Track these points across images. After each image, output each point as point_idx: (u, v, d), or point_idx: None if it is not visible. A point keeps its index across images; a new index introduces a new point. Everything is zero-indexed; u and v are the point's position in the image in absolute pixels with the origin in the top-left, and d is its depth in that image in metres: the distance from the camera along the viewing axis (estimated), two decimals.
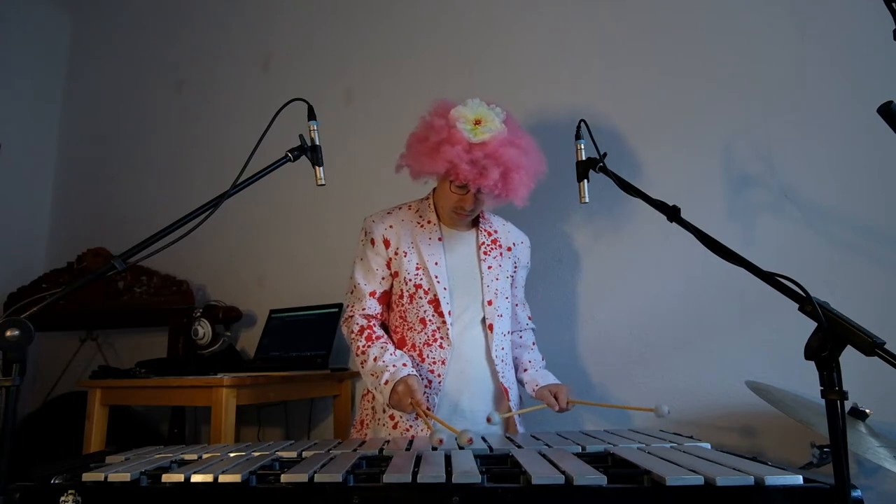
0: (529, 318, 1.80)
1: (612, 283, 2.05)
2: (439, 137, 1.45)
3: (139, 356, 2.51)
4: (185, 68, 3.16)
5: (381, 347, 1.54)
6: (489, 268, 1.64)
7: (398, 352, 1.55)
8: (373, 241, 1.63)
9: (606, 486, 0.87)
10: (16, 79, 3.28)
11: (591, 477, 0.87)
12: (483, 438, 1.32)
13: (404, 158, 1.56)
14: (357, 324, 1.61)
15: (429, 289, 1.57)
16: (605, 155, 1.45)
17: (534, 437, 1.34)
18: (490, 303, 1.61)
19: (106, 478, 0.97)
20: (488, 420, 1.34)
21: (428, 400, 1.53)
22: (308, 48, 2.79)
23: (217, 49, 3.07)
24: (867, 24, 1.77)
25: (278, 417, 2.53)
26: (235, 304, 2.68)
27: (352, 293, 1.66)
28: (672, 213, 1.21)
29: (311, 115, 1.43)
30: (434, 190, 1.68)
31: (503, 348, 1.63)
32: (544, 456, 1.03)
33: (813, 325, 0.88)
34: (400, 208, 1.69)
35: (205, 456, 1.14)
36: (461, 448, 1.11)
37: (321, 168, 1.42)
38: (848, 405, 1.21)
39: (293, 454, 1.14)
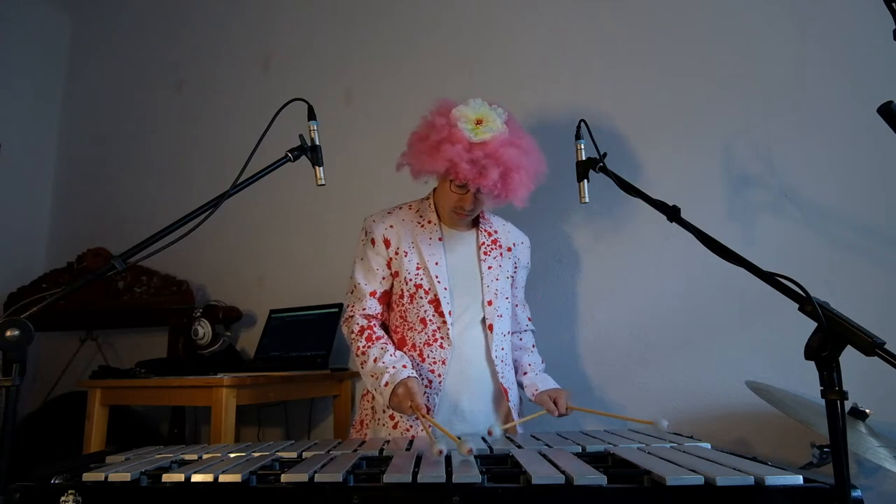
0: (529, 320, 1.79)
1: (612, 283, 2.05)
2: (440, 136, 1.45)
3: (139, 356, 2.51)
4: (185, 68, 3.16)
5: (382, 348, 1.54)
6: (489, 268, 1.64)
7: (398, 353, 1.55)
8: (373, 241, 1.63)
9: (606, 486, 0.87)
10: (16, 79, 3.28)
11: (591, 477, 0.87)
12: (483, 438, 1.32)
13: (405, 157, 1.57)
14: (357, 324, 1.61)
15: (429, 289, 1.57)
16: (605, 155, 1.45)
17: (534, 437, 1.34)
18: (490, 303, 1.61)
19: (106, 478, 0.97)
20: (489, 433, 1.34)
21: (428, 400, 1.52)
22: (308, 48, 2.79)
23: (217, 49, 3.07)
24: (867, 24, 1.77)
25: (278, 417, 2.53)
26: (235, 304, 2.68)
27: (352, 293, 1.66)
28: (672, 213, 1.21)
29: (311, 115, 1.43)
30: (434, 190, 1.68)
31: (503, 349, 1.63)
32: (544, 456, 1.03)
33: (813, 325, 0.88)
34: (400, 208, 1.69)
35: (205, 456, 1.14)
36: (462, 453, 1.11)
37: (321, 168, 1.42)
38: (848, 405, 1.21)
39: (293, 454, 1.14)
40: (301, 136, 1.39)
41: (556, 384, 1.67)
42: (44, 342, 3.15)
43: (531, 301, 1.83)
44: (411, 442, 1.32)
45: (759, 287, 1.03)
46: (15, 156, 3.15)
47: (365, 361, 1.54)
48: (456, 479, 0.89)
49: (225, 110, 2.98)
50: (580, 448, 1.15)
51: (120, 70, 3.39)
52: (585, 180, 1.51)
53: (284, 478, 0.94)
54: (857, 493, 0.82)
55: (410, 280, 1.59)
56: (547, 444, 1.22)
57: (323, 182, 1.43)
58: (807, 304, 0.90)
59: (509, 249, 1.70)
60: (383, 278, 1.63)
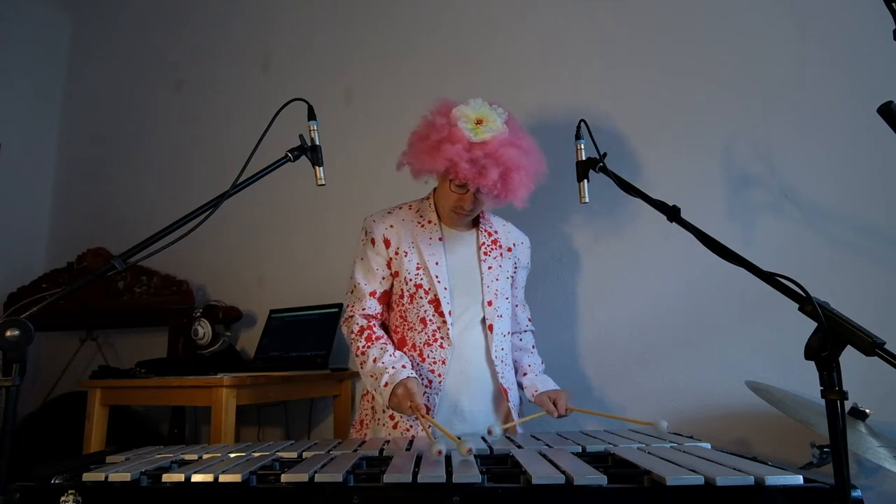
0: (529, 320, 1.79)
1: (612, 283, 2.05)
2: (440, 136, 1.45)
3: (139, 356, 2.51)
4: (185, 68, 3.16)
5: (381, 348, 1.54)
6: (489, 268, 1.64)
7: (398, 353, 1.54)
8: (373, 241, 1.63)
9: (606, 486, 0.87)
10: (16, 79, 3.28)
11: (591, 477, 0.87)
12: (483, 438, 1.32)
13: (405, 156, 1.57)
14: (357, 324, 1.61)
15: (429, 289, 1.57)
16: (605, 155, 1.44)
17: (534, 437, 1.34)
18: (490, 303, 1.61)
19: (106, 478, 0.97)
20: (489, 432, 1.34)
21: (428, 400, 1.52)
22: (308, 48, 2.79)
23: (217, 49, 3.07)
24: (867, 24, 1.77)
25: (278, 417, 2.53)
26: (235, 304, 2.68)
27: (352, 293, 1.66)
28: (672, 213, 1.21)
29: (311, 115, 1.43)
30: (435, 190, 1.68)
31: (503, 349, 1.63)
32: (544, 456, 1.03)
33: (813, 325, 0.88)
34: (400, 208, 1.69)
35: (205, 456, 1.14)
36: (462, 454, 1.11)
37: (321, 168, 1.42)
38: (848, 405, 1.21)
39: (293, 454, 1.14)
40: (301, 136, 1.39)
41: (555, 385, 1.67)
42: (44, 342, 3.15)
43: (531, 301, 1.83)
44: (411, 442, 1.32)
45: (759, 287, 1.03)
46: (15, 156, 3.15)
47: (364, 362, 1.54)
48: (456, 479, 0.89)
49: (225, 110, 2.98)
50: (580, 448, 1.15)
51: (120, 70, 3.39)
52: (585, 180, 1.51)
53: (284, 478, 0.94)
54: (857, 493, 0.82)
55: (410, 280, 1.59)
56: (547, 444, 1.22)
57: (323, 182, 1.43)
58: (807, 304, 0.90)
59: (509, 249, 1.70)
60: (383, 278, 1.63)
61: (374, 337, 1.58)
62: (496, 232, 1.70)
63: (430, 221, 1.65)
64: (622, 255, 2.04)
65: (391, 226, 1.64)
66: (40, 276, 3.11)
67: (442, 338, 1.56)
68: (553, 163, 1.60)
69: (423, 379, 1.54)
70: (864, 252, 1.74)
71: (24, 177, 3.31)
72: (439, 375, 1.54)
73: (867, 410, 1.41)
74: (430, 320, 1.57)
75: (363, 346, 1.56)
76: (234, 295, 2.72)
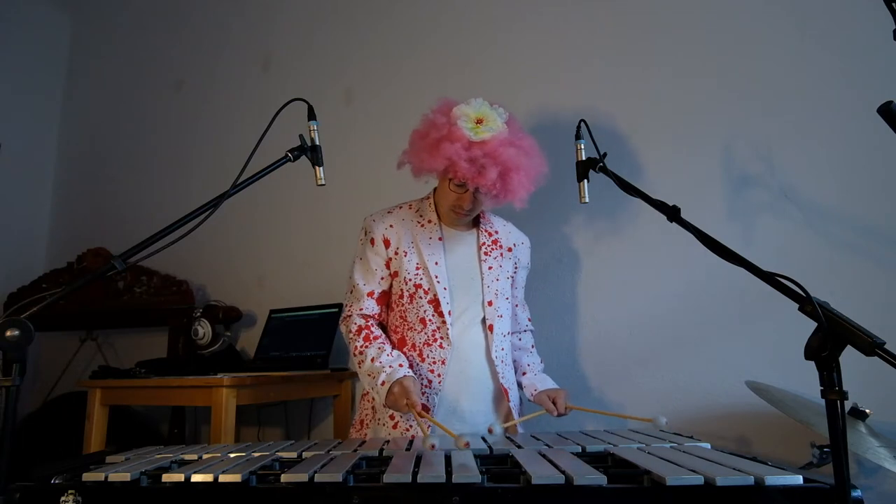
0: (529, 320, 1.79)
1: (612, 283, 2.05)
2: (439, 134, 1.46)
3: (139, 356, 2.51)
4: (185, 68, 3.16)
5: (379, 348, 1.54)
6: (490, 268, 1.64)
7: (395, 352, 1.55)
8: (372, 241, 1.63)
9: (606, 486, 0.87)
10: (16, 79, 3.28)
11: (591, 477, 0.87)
12: (483, 438, 1.32)
13: (406, 155, 1.57)
14: (355, 323, 1.61)
15: (429, 289, 1.57)
16: (605, 155, 1.44)
17: (534, 437, 1.34)
18: (490, 303, 1.61)
19: (106, 478, 0.97)
20: (489, 431, 1.34)
21: (427, 400, 1.53)
22: (308, 48, 2.79)
23: (217, 49, 3.07)
24: (867, 24, 1.77)
25: (278, 417, 2.53)
26: (235, 304, 2.68)
27: (351, 293, 1.66)
28: (672, 213, 1.21)
29: (311, 115, 1.43)
30: (435, 189, 1.68)
31: (503, 349, 1.63)
32: (544, 456, 1.03)
33: (813, 325, 0.88)
34: (400, 207, 1.69)
35: (205, 456, 1.14)
36: (460, 449, 1.11)
37: (321, 168, 1.42)
38: (848, 405, 1.21)
39: (293, 454, 1.14)
40: (301, 136, 1.39)
41: (554, 384, 1.67)
42: (44, 342, 3.15)
43: (530, 300, 1.83)
44: (411, 442, 1.32)
45: (759, 287, 1.03)
46: (15, 156, 3.15)
47: (362, 361, 1.54)
48: (456, 479, 0.89)
49: (225, 110, 2.98)
50: (580, 448, 1.15)
51: (120, 70, 3.39)
52: (585, 180, 1.50)
53: (284, 478, 0.94)
54: (857, 493, 0.82)
55: (410, 280, 1.59)
56: (547, 444, 1.22)
57: (323, 182, 1.43)
58: (807, 304, 0.90)
59: (510, 250, 1.70)
60: (382, 278, 1.63)
61: (372, 336, 1.58)
62: (496, 232, 1.70)
63: (429, 221, 1.64)
64: (622, 255, 2.04)
65: (391, 225, 1.64)
66: (40, 276, 3.11)
67: (441, 338, 1.56)
68: (553, 163, 1.60)
69: (422, 379, 1.54)
70: (865, 252, 1.74)
71: (24, 177, 3.32)
72: (439, 375, 1.54)
73: (867, 410, 1.41)
74: (430, 320, 1.57)
75: (361, 346, 1.56)
76: (234, 295, 2.73)
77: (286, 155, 1.35)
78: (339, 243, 2.49)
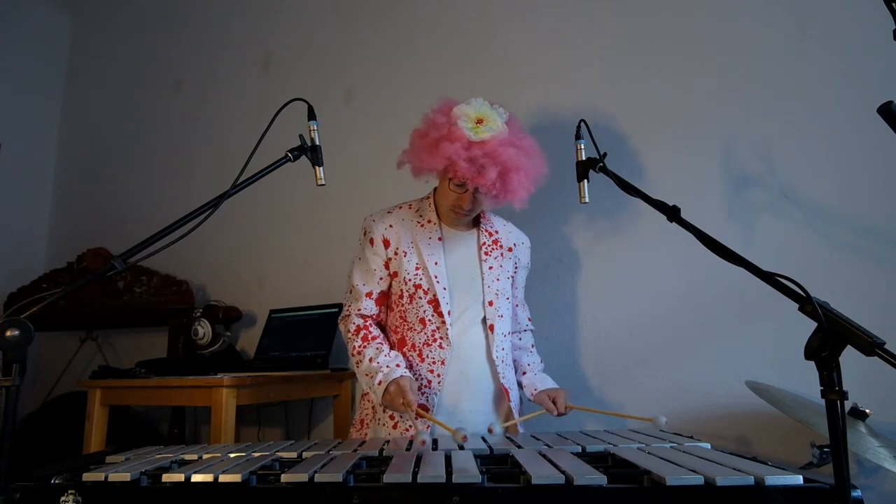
0: (529, 320, 1.79)
1: (612, 283, 2.05)
2: (439, 134, 1.46)
3: (139, 356, 2.51)
4: (185, 68, 3.16)
5: (377, 348, 1.55)
6: (490, 268, 1.64)
7: (393, 353, 1.55)
8: (372, 241, 1.63)
9: (606, 486, 0.87)
10: (16, 79, 3.28)
11: (591, 477, 0.87)
12: (483, 438, 1.32)
13: (406, 154, 1.57)
14: (353, 323, 1.62)
15: (428, 289, 1.57)
16: (605, 155, 1.44)
17: (534, 437, 1.34)
18: (491, 303, 1.61)
19: (106, 478, 0.97)
20: (489, 431, 1.35)
21: (427, 400, 1.53)
22: (308, 48, 2.79)
23: (217, 49, 3.07)
24: (867, 24, 1.77)
25: (278, 417, 2.53)
26: (235, 304, 2.68)
27: (350, 293, 1.67)
28: (672, 213, 1.21)
29: (311, 115, 1.43)
30: (435, 189, 1.68)
31: (504, 349, 1.63)
32: (544, 456, 1.03)
33: (813, 325, 0.88)
34: (400, 207, 1.69)
35: (205, 456, 1.14)
36: (460, 448, 1.12)
37: (321, 168, 1.42)
38: (848, 405, 1.21)
39: (293, 454, 1.14)
40: (301, 136, 1.39)
41: (554, 384, 1.67)
42: (44, 342, 3.15)
43: (531, 301, 1.83)
44: (411, 442, 1.32)
45: (759, 287, 1.03)
46: (15, 156, 3.15)
47: (360, 361, 1.55)
48: (456, 479, 0.89)
49: (225, 110, 2.98)
50: (580, 448, 1.15)
51: (120, 70, 3.39)
52: (585, 180, 1.50)
53: (284, 478, 0.94)
54: (857, 493, 0.82)
55: (410, 280, 1.59)
56: (547, 444, 1.22)
57: (323, 182, 1.43)
58: (807, 304, 0.90)
59: (510, 249, 1.70)
60: (380, 279, 1.63)
61: (370, 337, 1.58)
62: (497, 232, 1.70)
63: (429, 221, 1.64)
64: (622, 255, 2.04)
65: (390, 226, 1.64)
66: (40, 276, 3.11)
67: (441, 338, 1.56)
68: (553, 163, 1.60)
69: (422, 379, 1.54)
70: (865, 252, 1.74)
71: (24, 177, 3.32)
72: (438, 375, 1.54)
73: (867, 410, 1.41)
74: (430, 320, 1.57)
75: (359, 346, 1.57)
76: (234, 295, 2.72)
77: (286, 155, 1.35)
78: (339, 243, 2.49)
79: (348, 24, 2.71)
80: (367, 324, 1.62)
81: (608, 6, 2.18)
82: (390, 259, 1.62)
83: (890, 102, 1.04)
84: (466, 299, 1.60)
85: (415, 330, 1.58)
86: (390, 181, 1.98)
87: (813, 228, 1.81)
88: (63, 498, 0.94)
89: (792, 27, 1.90)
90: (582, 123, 1.51)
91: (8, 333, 0.92)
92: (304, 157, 1.38)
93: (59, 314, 2.90)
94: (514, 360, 1.72)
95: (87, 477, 0.98)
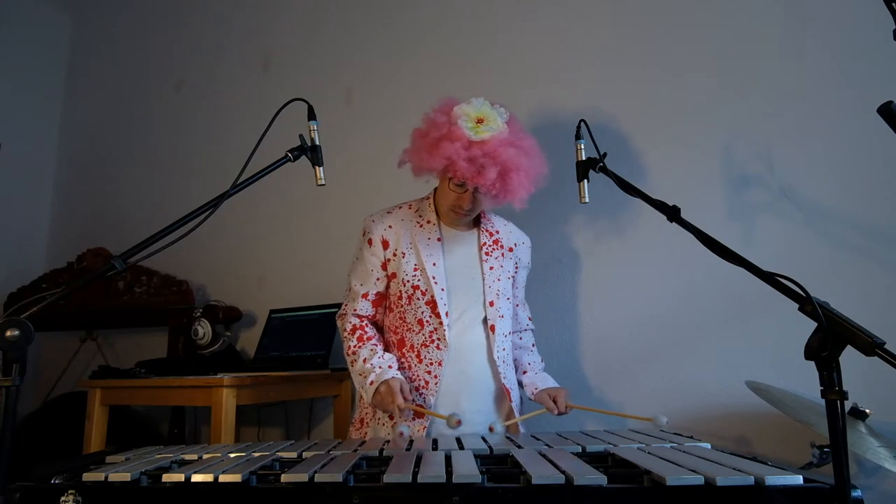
0: (530, 319, 1.79)
1: (612, 283, 2.05)
2: (440, 133, 1.46)
3: (139, 356, 2.51)
4: (185, 68, 3.16)
5: (371, 349, 1.56)
6: (491, 268, 1.63)
7: (387, 354, 1.57)
8: (370, 241, 1.63)
9: (606, 486, 0.87)
10: (16, 78, 3.28)
11: (591, 477, 0.87)
12: (483, 438, 1.32)
13: (406, 154, 1.57)
14: (350, 322, 1.64)
15: (426, 290, 1.57)
16: (605, 155, 1.44)
17: (534, 437, 1.34)
18: (492, 304, 1.60)
19: (106, 478, 0.97)
20: (490, 430, 1.35)
21: (424, 401, 1.53)
22: (308, 48, 2.79)
23: (217, 49, 3.07)
24: (867, 24, 1.77)
25: (278, 417, 2.53)
26: (235, 304, 2.68)
27: (348, 292, 1.68)
28: (672, 213, 1.21)
29: (311, 115, 1.43)
30: (435, 189, 1.68)
31: (504, 349, 1.63)
32: (544, 456, 1.03)
33: (813, 325, 0.88)
34: (400, 207, 1.69)
35: (205, 456, 1.14)
36: (454, 426, 1.12)
37: (321, 168, 1.42)
38: (848, 405, 1.21)
39: (293, 454, 1.14)
40: (301, 136, 1.39)
41: (555, 383, 1.67)
42: (44, 342, 3.15)
43: (531, 301, 1.83)
44: (411, 442, 1.32)
45: (759, 287, 1.03)
46: (15, 155, 3.15)
47: (355, 360, 1.57)
48: (456, 479, 0.89)
49: (225, 110, 2.98)
50: (580, 448, 1.15)
51: (120, 70, 3.39)
52: (585, 180, 1.50)
53: (284, 478, 0.94)
54: (857, 493, 0.82)
55: (408, 281, 1.59)
56: (547, 444, 1.22)
57: (323, 182, 1.43)
58: (807, 304, 0.90)
59: (511, 249, 1.70)
60: (377, 279, 1.64)
61: (365, 337, 1.60)
62: (497, 232, 1.70)
63: (428, 221, 1.64)
64: (622, 256, 2.04)
65: (390, 226, 1.64)
66: (40, 276, 3.11)
67: (438, 339, 1.56)
68: (553, 163, 1.59)
69: (419, 380, 1.55)
70: (865, 252, 1.74)
71: (24, 177, 3.31)
72: (435, 377, 1.54)
73: (867, 410, 1.40)
74: (427, 321, 1.57)
75: (355, 346, 1.59)
76: (234, 295, 2.72)
77: (286, 155, 1.35)
78: (339, 243, 2.49)
79: (348, 24, 2.71)
80: (363, 324, 1.63)
81: (608, 6, 2.18)
82: (389, 260, 1.62)
83: (890, 102, 1.04)
84: (466, 300, 1.60)
85: (413, 331, 1.58)
86: (390, 181, 1.98)
87: (813, 228, 1.81)
88: (63, 498, 0.94)
89: (792, 27, 1.90)
90: (582, 123, 1.51)
91: (8, 333, 0.92)
92: (304, 157, 1.38)
93: (59, 314, 2.90)
94: (515, 360, 1.72)
95: (87, 477, 0.98)
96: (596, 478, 0.87)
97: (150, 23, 3.32)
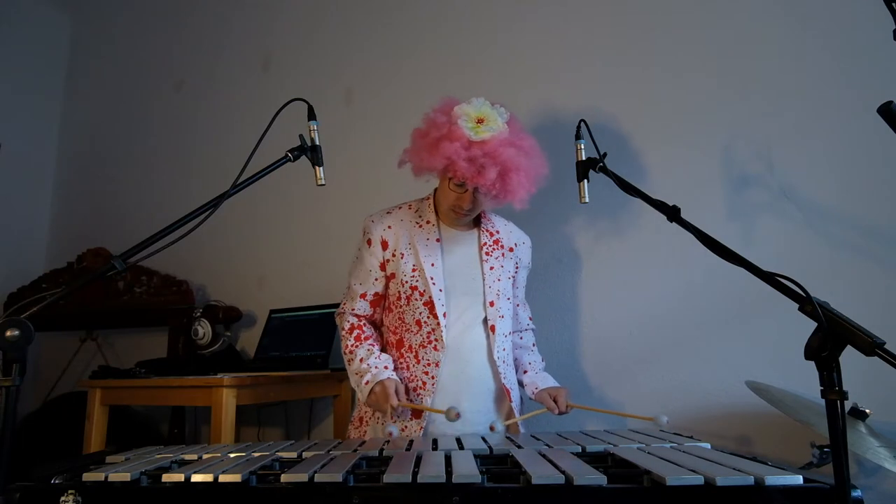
0: (530, 319, 1.79)
1: (612, 283, 2.05)
2: (440, 133, 1.45)
3: (139, 356, 2.51)
4: (185, 68, 3.16)
5: (368, 350, 1.57)
6: (491, 268, 1.63)
7: (383, 355, 1.57)
8: (370, 242, 1.63)
9: (606, 486, 0.87)
10: (16, 79, 3.28)
11: (591, 477, 0.87)
12: (483, 438, 1.32)
13: (406, 153, 1.57)
14: (348, 322, 1.65)
15: (424, 290, 1.57)
16: (605, 155, 1.44)
17: (534, 437, 1.34)
18: (492, 304, 1.60)
19: (106, 478, 0.97)
20: (491, 429, 1.35)
21: (422, 401, 1.53)
22: (308, 48, 2.79)
23: (217, 49, 3.07)
24: (867, 24, 1.77)
25: (278, 417, 2.53)
26: (235, 304, 2.68)
27: (347, 291, 1.68)
28: (672, 213, 1.21)
29: (311, 115, 1.43)
30: (435, 190, 1.68)
31: (505, 349, 1.63)
32: (544, 456, 1.03)
33: (813, 324, 0.88)
34: (400, 208, 1.69)
35: (205, 456, 1.14)
36: (451, 421, 1.13)
37: (321, 168, 1.42)
38: (848, 405, 1.21)
39: (293, 454, 1.14)
40: (301, 136, 1.39)
41: (555, 382, 1.67)
42: (44, 342, 3.15)
43: (531, 301, 1.83)
44: (411, 442, 1.32)
45: (759, 287, 1.03)
46: (15, 155, 3.15)
47: (352, 360, 1.58)
48: (456, 479, 0.89)
49: (225, 110, 2.98)
50: (580, 448, 1.15)
51: (120, 70, 3.39)
52: (585, 180, 1.50)
53: (284, 478, 0.94)
54: (857, 493, 0.82)
55: (406, 282, 1.59)
56: (547, 444, 1.22)
57: (323, 182, 1.43)
58: (807, 304, 0.90)
59: (511, 249, 1.70)
60: (376, 280, 1.64)
61: (363, 337, 1.61)
62: (498, 232, 1.70)
63: (427, 222, 1.64)
64: (622, 256, 2.04)
65: (389, 227, 1.63)
66: (40, 276, 3.11)
67: (436, 340, 1.56)
68: (553, 163, 1.59)
69: (417, 380, 1.55)
70: (865, 252, 1.74)
71: (24, 177, 3.32)
72: (433, 378, 1.54)
73: (867, 410, 1.40)
74: (425, 322, 1.57)
75: (352, 346, 1.60)
76: (234, 295, 2.72)
77: (286, 155, 1.35)
78: (339, 243, 2.49)
79: (348, 24, 2.71)
80: (361, 323, 1.64)
81: (608, 6, 2.18)
82: (388, 261, 1.62)
83: (890, 102, 1.04)
84: (467, 300, 1.60)
85: (412, 331, 1.58)
86: (390, 181, 1.98)
87: (813, 228, 1.81)
88: (63, 498, 0.94)
89: (792, 27, 1.90)
90: (582, 123, 1.51)
91: (8, 333, 0.92)
92: (304, 157, 1.38)
93: (59, 314, 2.90)
94: (515, 359, 1.72)
95: (87, 477, 0.98)
96: (596, 478, 0.87)
97: (150, 23, 3.32)
